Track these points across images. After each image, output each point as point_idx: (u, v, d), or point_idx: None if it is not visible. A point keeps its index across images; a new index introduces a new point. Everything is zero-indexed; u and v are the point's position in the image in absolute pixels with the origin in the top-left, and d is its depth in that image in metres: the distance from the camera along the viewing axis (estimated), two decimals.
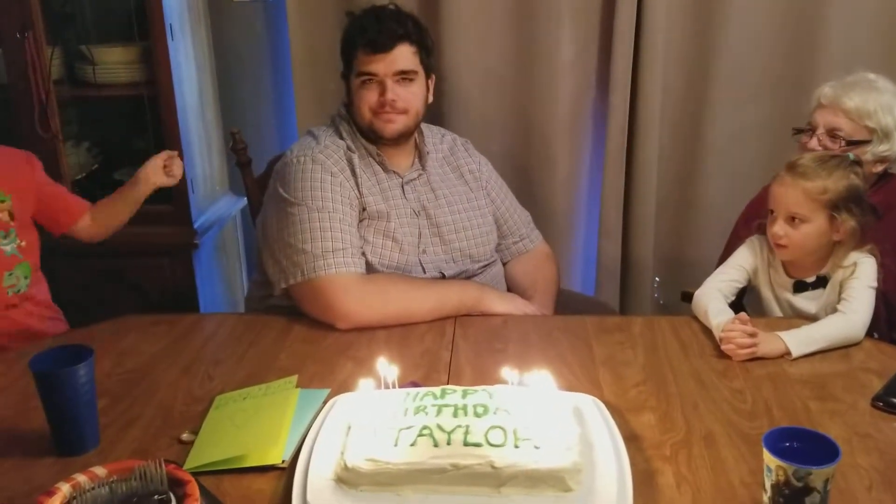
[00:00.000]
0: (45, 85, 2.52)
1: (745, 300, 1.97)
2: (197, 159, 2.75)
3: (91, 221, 2.10)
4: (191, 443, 1.37)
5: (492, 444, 1.19)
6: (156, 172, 2.08)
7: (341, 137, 2.05)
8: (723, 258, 2.09)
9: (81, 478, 1.12)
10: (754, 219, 1.98)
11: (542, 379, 1.32)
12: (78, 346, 1.35)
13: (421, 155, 2.12)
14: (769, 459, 1.12)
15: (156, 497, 1.10)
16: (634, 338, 1.78)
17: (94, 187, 2.59)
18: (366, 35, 1.96)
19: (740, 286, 1.92)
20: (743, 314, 1.71)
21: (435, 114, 2.58)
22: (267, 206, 2.06)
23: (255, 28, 2.97)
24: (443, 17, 2.71)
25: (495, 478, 1.17)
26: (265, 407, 1.44)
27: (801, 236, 1.78)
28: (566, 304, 2.26)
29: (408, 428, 1.23)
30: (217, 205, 2.91)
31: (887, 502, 1.22)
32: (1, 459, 1.34)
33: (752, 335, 1.65)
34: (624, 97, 2.70)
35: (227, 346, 1.79)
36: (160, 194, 2.43)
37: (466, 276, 2.10)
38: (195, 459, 1.31)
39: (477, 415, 1.25)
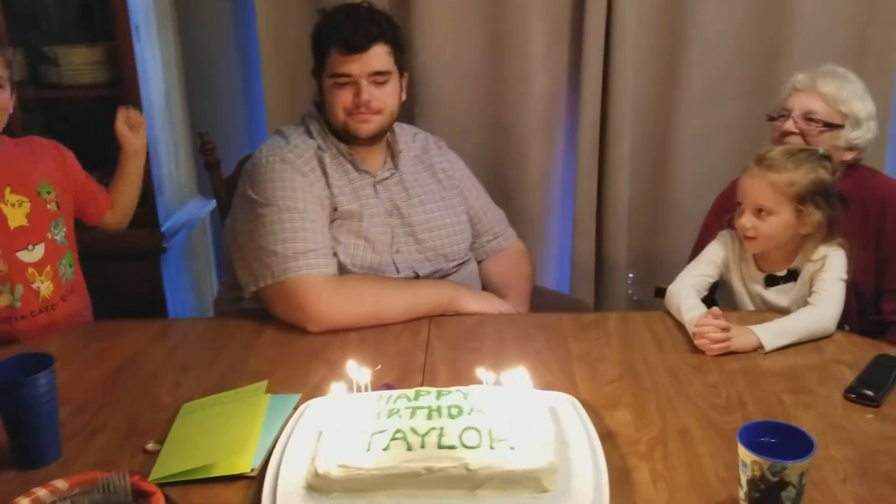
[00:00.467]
0: None
1: (717, 295, 1.97)
2: (164, 161, 2.71)
3: (111, 212, 2.12)
4: (156, 452, 1.33)
5: (466, 446, 1.17)
6: (125, 136, 2.10)
7: (311, 137, 2.02)
8: (694, 252, 2.10)
9: (42, 492, 1.10)
10: (724, 212, 1.99)
11: (517, 377, 1.31)
12: (38, 354, 1.32)
13: (393, 154, 2.10)
14: (744, 455, 1.11)
15: None
16: (610, 334, 1.78)
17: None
18: (340, 35, 1.93)
19: (712, 281, 1.92)
20: (715, 308, 1.71)
21: (408, 113, 2.56)
22: (236, 207, 2.03)
23: (223, 26, 2.94)
24: (414, 16, 2.69)
25: (470, 480, 1.15)
26: (234, 414, 1.42)
27: (768, 228, 1.78)
28: (541, 301, 2.25)
29: (381, 432, 1.21)
30: (185, 207, 2.88)
31: (862, 494, 1.21)
32: None
33: (725, 329, 1.65)
34: (595, 94, 2.70)
35: (196, 352, 1.77)
36: None
37: (441, 276, 2.09)
38: (161, 470, 1.27)
39: (451, 416, 1.24)
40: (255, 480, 1.26)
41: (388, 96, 1.99)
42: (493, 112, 2.83)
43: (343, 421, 1.26)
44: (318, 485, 1.17)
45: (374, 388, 1.39)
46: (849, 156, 2.02)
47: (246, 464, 1.27)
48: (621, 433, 1.38)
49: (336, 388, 1.34)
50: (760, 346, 1.66)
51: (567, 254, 2.93)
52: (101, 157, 2.32)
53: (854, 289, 1.88)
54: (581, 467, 1.21)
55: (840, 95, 1.98)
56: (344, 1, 2.06)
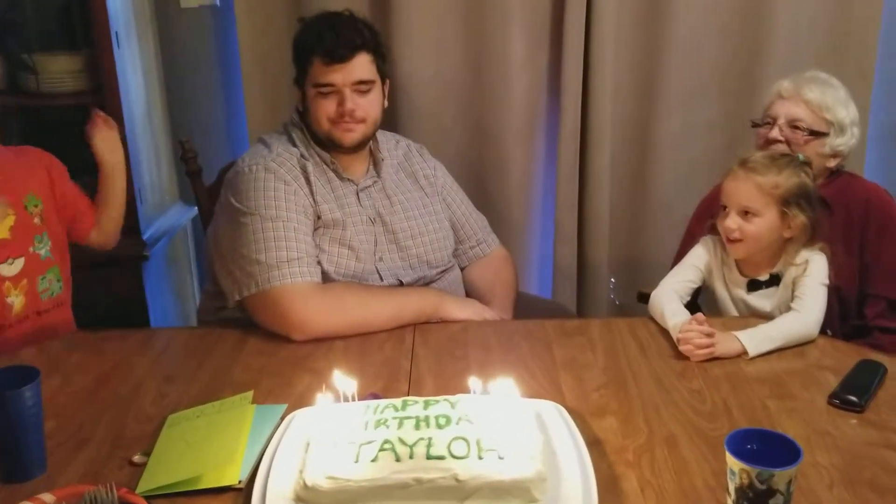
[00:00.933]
0: None
1: (700, 300, 1.98)
2: (145, 169, 2.69)
3: (97, 230, 2.08)
4: (143, 465, 1.32)
5: (455, 457, 1.17)
6: (101, 153, 2.06)
7: (294, 145, 2.02)
8: (678, 257, 2.10)
9: None
10: (707, 217, 2.00)
11: (504, 386, 1.31)
12: (23, 366, 1.31)
13: (375, 162, 2.10)
14: (732, 463, 1.12)
15: None
16: (594, 340, 1.78)
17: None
18: (323, 45, 1.92)
19: (696, 286, 1.93)
20: (699, 315, 1.72)
21: (389, 120, 2.56)
22: (218, 216, 2.02)
23: (204, 34, 2.92)
24: (395, 23, 2.69)
25: (459, 491, 1.15)
26: (220, 425, 1.41)
27: (753, 229, 1.80)
28: (524, 307, 2.26)
29: (368, 443, 1.20)
30: (167, 215, 2.86)
31: (848, 500, 1.22)
32: None
33: (710, 335, 1.66)
34: (576, 100, 2.71)
35: (180, 362, 1.75)
36: None
37: (424, 283, 2.08)
38: (148, 482, 1.26)
39: (439, 426, 1.24)
40: (242, 492, 1.25)
41: (371, 104, 1.99)
42: (474, 118, 2.83)
43: (330, 432, 1.26)
44: (306, 497, 1.16)
45: (361, 398, 1.39)
46: (833, 162, 2.03)
47: (233, 476, 1.26)
48: (608, 441, 1.38)
49: (322, 398, 1.33)
50: (744, 353, 1.66)
51: (549, 259, 2.94)
52: (80, 167, 2.29)
53: (837, 293, 1.90)
54: (569, 476, 1.21)
55: (825, 102, 1.99)
56: (324, 9, 2.06)
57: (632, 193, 2.93)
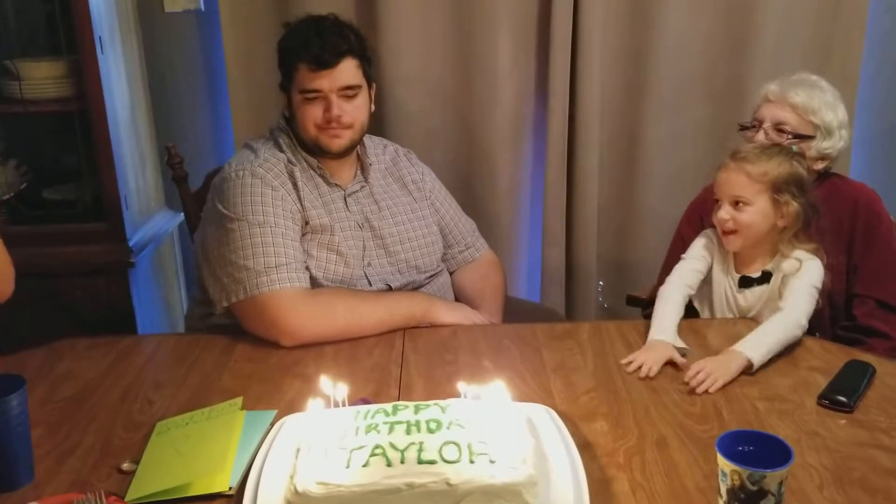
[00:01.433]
0: None
1: (694, 298, 1.97)
2: (130, 175, 2.67)
3: None
4: (132, 472, 1.32)
5: (446, 461, 1.17)
6: None
7: (281, 150, 2.01)
8: (667, 261, 2.11)
9: None
10: (697, 219, 2.00)
11: (495, 389, 1.31)
12: (9, 375, 1.29)
13: (363, 167, 2.10)
14: (724, 464, 1.12)
15: None
16: (583, 344, 1.78)
17: (24, 207, 2.51)
18: (308, 51, 1.91)
19: (703, 275, 1.92)
20: (667, 354, 1.68)
21: (376, 124, 2.56)
22: (205, 222, 2.01)
23: (189, 39, 2.91)
24: (381, 27, 2.70)
25: (451, 495, 1.14)
26: (209, 431, 1.40)
27: (746, 218, 1.80)
28: (513, 311, 2.26)
29: (360, 448, 1.20)
30: (153, 221, 2.84)
31: (838, 500, 1.23)
32: None
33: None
34: (563, 103, 2.72)
35: (168, 369, 1.74)
36: (93, 212, 2.36)
37: (413, 288, 2.08)
38: (137, 490, 1.25)
39: (430, 431, 1.23)
40: (233, 499, 1.24)
41: (358, 110, 1.98)
42: (461, 122, 2.84)
43: (321, 437, 1.25)
44: (297, 502, 1.15)
45: (351, 403, 1.38)
46: (820, 165, 2.04)
47: (223, 482, 1.26)
48: (599, 443, 1.38)
49: (313, 403, 1.33)
50: (750, 366, 1.63)
51: (537, 262, 2.94)
52: (63, 174, 2.28)
53: (827, 295, 1.90)
54: (561, 479, 1.21)
55: (811, 106, 2.00)
56: (310, 13, 2.05)
57: (620, 197, 2.94)
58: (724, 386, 1.58)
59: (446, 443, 1.20)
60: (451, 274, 2.23)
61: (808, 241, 1.82)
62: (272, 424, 1.41)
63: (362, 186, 2.08)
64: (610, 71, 2.78)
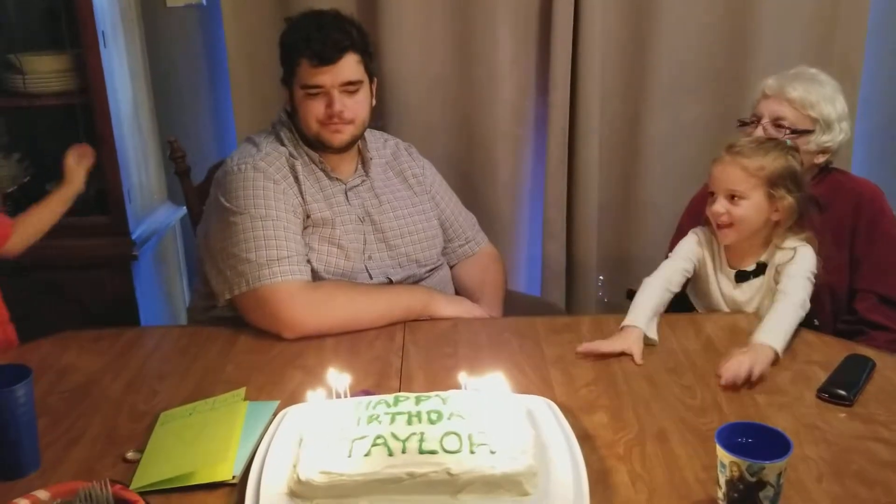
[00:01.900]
0: None
1: (689, 290, 1.98)
2: (133, 169, 2.68)
3: (15, 239, 1.97)
4: (136, 461, 1.33)
5: (447, 451, 1.18)
6: (73, 172, 2.06)
7: (282, 144, 2.02)
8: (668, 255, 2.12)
9: (23, 502, 1.09)
10: (699, 214, 2.01)
11: (495, 381, 1.32)
12: (15, 365, 1.31)
13: (364, 161, 2.10)
14: (723, 455, 1.13)
15: None
16: (583, 337, 1.78)
17: (27, 200, 2.51)
18: (310, 46, 1.91)
19: (688, 275, 1.92)
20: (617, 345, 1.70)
21: (377, 119, 2.56)
22: (208, 215, 2.02)
23: (191, 33, 2.91)
24: (382, 21, 2.70)
25: (452, 485, 1.16)
26: (213, 421, 1.41)
27: (741, 212, 1.80)
28: (513, 305, 2.27)
29: (361, 438, 1.21)
30: (155, 215, 2.85)
31: (837, 492, 1.24)
32: None
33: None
34: (564, 98, 2.72)
35: (172, 360, 1.75)
36: (97, 205, 2.38)
37: (413, 281, 2.09)
38: (142, 478, 1.27)
39: (431, 421, 1.24)
40: (236, 488, 1.25)
41: (359, 105, 1.99)
42: (462, 117, 2.84)
43: (323, 427, 1.26)
44: (300, 491, 1.17)
45: (353, 395, 1.40)
46: (821, 159, 2.05)
47: (227, 471, 1.27)
48: (599, 435, 1.39)
49: (314, 394, 1.34)
50: (777, 358, 1.63)
51: (537, 256, 2.95)
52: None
53: (829, 289, 1.91)
54: (560, 470, 1.22)
55: (808, 100, 2.00)
56: (311, 8, 2.06)
57: (620, 191, 2.94)
58: (697, 358, 1.63)
59: (447, 433, 1.21)
60: (451, 268, 2.24)
61: (802, 231, 1.82)
62: (274, 414, 1.42)
63: (363, 180, 2.09)
64: (611, 65, 2.78)
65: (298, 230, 1.93)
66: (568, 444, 1.28)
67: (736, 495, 1.12)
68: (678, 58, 2.77)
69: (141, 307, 2.64)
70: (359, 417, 1.27)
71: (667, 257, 1.97)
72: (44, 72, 2.54)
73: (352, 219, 2.03)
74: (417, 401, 1.30)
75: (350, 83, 1.95)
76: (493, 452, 1.18)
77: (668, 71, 2.78)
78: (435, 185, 2.24)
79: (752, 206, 1.80)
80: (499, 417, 1.26)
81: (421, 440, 1.20)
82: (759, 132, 2.01)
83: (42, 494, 1.10)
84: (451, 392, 1.33)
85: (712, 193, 1.85)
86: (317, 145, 2.00)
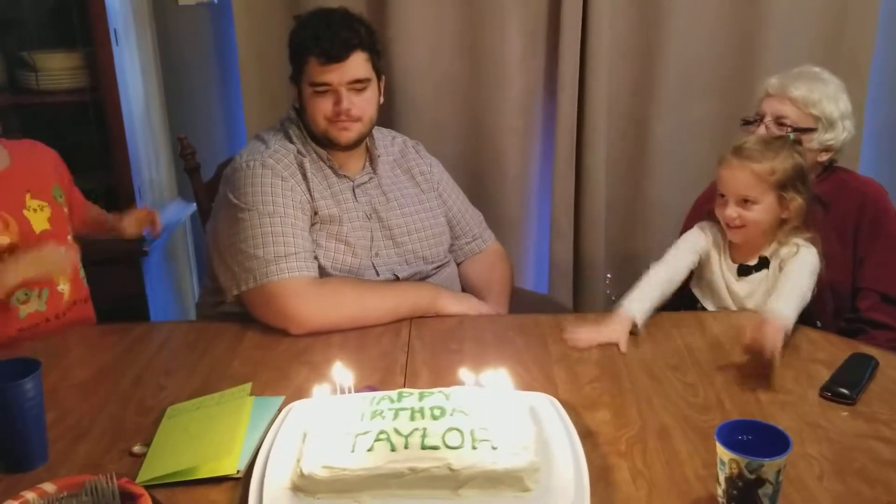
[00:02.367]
0: None
1: (692, 284, 1.98)
2: (144, 165, 2.71)
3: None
4: (143, 455, 1.34)
5: (449, 447, 1.19)
6: (131, 225, 2.13)
7: (291, 141, 2.03)
8: None
9: (30, 495, 1.10)
10: (704, 214, 2.01)
11: (498, 378, 1.33)
12: (24, 359, 1.32)
13: (371, 158, 2.11)
14: (722, 453, 1.13)
15: None
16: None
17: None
18: (318, 44, 1.92)
19: (693, 267, 1.93)
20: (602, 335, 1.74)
21: (385, 115, 2.57)
22: (217, 212, 2.04)
23: (201, 32, 2.93)
24: (391, 20, 2.71)
25: (453, 480, 1.17)
26: (219, 416, 1.42)
27: (754, 216, 1.81)
28: (520, 302, 2.27)
29: (364, 433, 1.22)
30: (166, 211, 2.87)
31: (838, 490, 1.24)
32: None
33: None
34: (572, 96, 2.72)
35: (179, 355, 1.77)
36: (108, 201, 2.40)
37: (420, 278, 2.10)
38: (148, 472, 1.28)
39: (434, 417, 1.25)
40: (241, 482, 1.27)
41: (367, 102, 2.00)
42: (470, 115, 2.84)
43: (327, 422, 1.27)
44: (303, 485, 1.18)
45: (357, 390, 1.41)
46: (824, 157, 2.05)
47: (232, 466, 1.28)
48: (601, 432, 1.40)
49: (319, 390, 1.35)
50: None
51: (545, 255, 2.95)
52: (78, 163, 2.30)
53: (831, 288, 1.91)
54: (562, 466, 1.23)
55: (811, 98, 2.00)
56: (320, 6, 2.07)
57: (628, 189, 2.94)
58: (699, 354, 1.67)
59: (449, 429, 1.22)
60: (458, 265, 2.25)
61: (806, 231, 1.83)
62: (280, 410, 1.43)
63: (371, 178, 2.10)
64: (619, 64, 2.77)
65: (306, 227, 1.95)
66: (570, 441, 1.29)
67: (735, 492, 1.13)
68: (686, 57, 2.76)
69: (150, 302, 2.65)
70: (362, 413, 1.28)
71: None
72: (56, 69, 2.56)
73: (359, 216, 2.04)
74: (421, 397, 1.31)
75: (358, 81, 1.96)
76: (494, 448, 1.19)
77: (676, 70, 2.77)
78: (442, 183, 2.25)
79: (763, 209, 1.81)
80: (501, 414, 1.27)
81: (423, 436, 1.21)
82: (761, 131, 2.02)
83: (49, 487, 1.11)
84: (454, 388, 1.34)
85: (722, 195, 1.85)
86: (325, 143, 2.01)
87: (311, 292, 1.85)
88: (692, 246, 1.93)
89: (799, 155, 1.83)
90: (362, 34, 1.97)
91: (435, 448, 1.19)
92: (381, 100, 2.08)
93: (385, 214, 2.08)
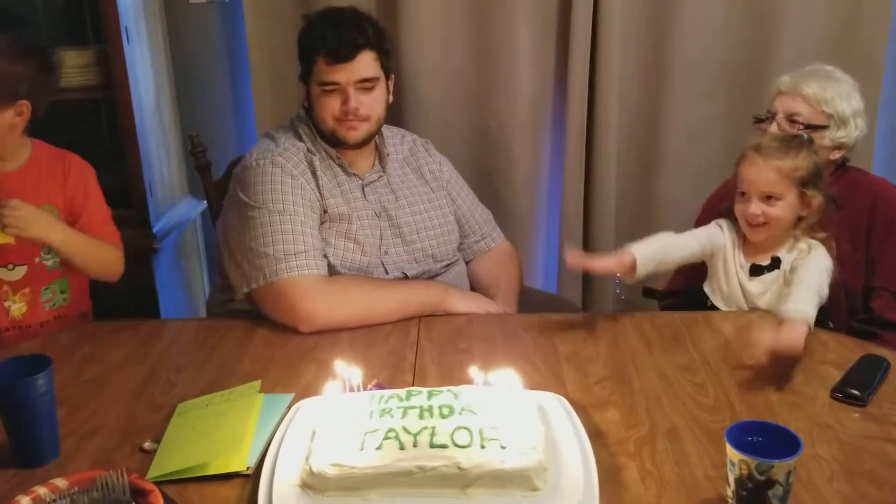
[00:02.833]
0: None
1: (706, 284, 1.98)
2: (155, 163, 2.72)
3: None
4: (153, 451, 1.35)
5: (458, 445, 1.19)
6: None
7: (300, 139, 2.03)
8: None
9: (42, 490, 1.11)
10: (715, 214, 2.00)
11: (507, 377, 1.33)
12: (36, 355, 1.33)
13: (381, 157, 2.12)
14: (732, 454, 1.13)
15: None
16: (597, 334, 1.79)
17: None
18: (326, 44, 1.93)
19: (697, 252, 1.93)
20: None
21: (395, 115, 2.57)
22: (227, 210, 2.04)
23: (212, 30, 2.94)
24: (401, 18, 2.71)
25: (462, 479, 1.17)
26: (228, 413, 1.43)
27: (777, 213, 1.81)
28: (529, 301, 2.27)
29: (373, 431, 1.22)
30: (176, 208, 2.88)
31: (848, 492, 1.23)
32: None
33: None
34: (582, 94, 2.72)
35: (189, 352, 1.77)
36: (119, 199, 2.40)
37: (429, 276, 2.10)
38: (158, 468, 1.29)
39: (443, 416, 1.25)
40: (250, 479, 1.27)
41: (375, 102, 2.00)
42: (479, 113, 2.84)
43: (336, 420, 1.28)
44: (312, 483, 1.18)
45: (366, 388, 1.41)
46: (837, 155, 2.04)
47: (241, 462, 1.28)
48: (610, 432, 1.40)
49: (329, 387, 1.35)
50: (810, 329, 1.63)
51: (554, 254, 2.95)
52: (90, 160, 2.31)
53: (844, 287, 1.90)
54: (571, 466, 1.23)
55: (823, 96, 2.00)
56: (330, 5, 2.07)
57: (638, 189, 2.93)
58: (711, 355, 1.66)
59: (458, 428, 1.22)
60: (467, 263, 2.25)
61: (821, 231, 1.83)
62: (289, 407, 1.44)
63: (380, 176, 2.10)
64: (629, 61, 2.77)
65: (315, 225, 1.95)
66: (578, 441, 1.29)
67: (745, 493, 1.12)
68: (697, 54, 2.75)
69: (161, 299, 2.67)
70: (371, 411, 1.28)
71: None
72: (68, 66, 2.56)
73: (368, 214, 2.04)
74: (429, 395, 1.31)
75: (366, 80, 1.96)
76: (503, 447, 1.19)
77: (687, 67, 2.76)
78: (451, 181, 2.25)
79: (786, 206, 1.81)
80: (510, 413, 1.27)
81: (432, 434, 1.21)
82: (773, 128, 2.01)
83: (60, 482, 1.12)
84: (463, 387, 1.34)
85: (743, 193, 1.85)
86: (333, 141, 2.02)
87: (321, 290, 1.85)
88: (708, 235, 1.93)
89: (815, 154, 1.83)
90: (370, 34, 1.97)
91: (443, 447, 1.19)
92: (391, 99, 2.08)
93: (394, 213, 2.08)
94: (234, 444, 1.32)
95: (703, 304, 1.97)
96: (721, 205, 1.99)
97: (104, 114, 2.60)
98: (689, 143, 2.84)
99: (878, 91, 2.72)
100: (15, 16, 2.64)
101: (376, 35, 1.98)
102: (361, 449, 1.19)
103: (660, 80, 2.79)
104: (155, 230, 2.65)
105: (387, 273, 2.03)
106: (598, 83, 2.72)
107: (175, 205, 2.89)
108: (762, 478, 1.11)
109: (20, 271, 1.91)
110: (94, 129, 2.67)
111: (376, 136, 2.10)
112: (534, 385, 1.51)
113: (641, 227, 2.94)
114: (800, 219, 1.84)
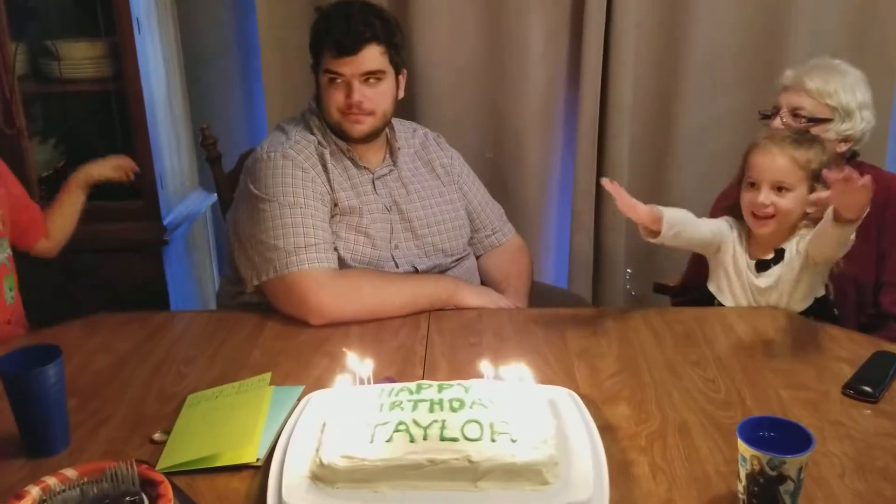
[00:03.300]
0: (9, 81, 2.47)
1: (711, 284, 1.97)
2: (166, 155, 2.72)
3: (46, 238, 2.05)
4: (163, 442, 1.35)
5: (468, 439, 1.19)
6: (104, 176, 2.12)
7: (311, 132, 2.03)
8: (694, 253, 2.11)
9: (52, 480, 1.10)
10: (726, 210, 1.99)
11: (517, 372, 1.32)
12: (46, 346, 1.33)
13: (392, 150, 2.11)
14: (744, 449, 1.12)
15: (128, 498, 1.09)
16: (608, 329, 1.79)
17: (62, 184, 2.55)
18: (332, 37, 1.93)
19: (706, 236, 1.91)
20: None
21: (407, 109, 2.57)
22: (238, 202, 2.04)
23: (224, 21, 2.94)
24: (413, 11, 2.70)
25: (472, 472, 1.16)
26: (238, 405, 1.43)
27: (787, 204, 1.80)
28: (539, 296, 2.27)
29: (383, 424, 1.22)
30: (187, 200, 2.89)
31: (860, 489, 1.23)
32: None
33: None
34: (595, 88, 2.71)
35: (199, 344, 1.77)
36: (129, 191, 2.41)
37: (440, 271, 2.10)
38: (168, 459, 1.29)
39: (453, 409, 1.25)
40: (260, 470, 1.27)
41: (381, 96, 1.99)
42: (492, 106, 2.84)
43: (346, 413, 1.27)
44: (322, 475, 1.18)
45: (376, 381, 1.41)
46: (843, 147, 2.03)
47: (251, 454, 1.28)
48: (621, 427, 1.39)
49: (340, 380, 1.35)
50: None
51: (565, 248, 2.94)
52: (101, 152, 2.32)
53: (854, 282, 1.89)
54: (581, 460, 1.22)
55: (826, 89, 1.99)
56: None
57: (650, 184, 2.92)
58: (722, 351, 1.65)
59: (468, 421, 1.22)
60: (477, 258, 2.25)
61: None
62: (299, 399, 1.44)
63: (391, 170, 2.10)
64: (643, 56, 2.75)
65: (326, 218, 1.95)
66: (589, 435, 1.29)
67: (756, 489, 1.12)
68: (711, 49, 2.74)
69: (171, 291, 2.67)
70: (381, 404, 1.28)
71: (692, 258, 1.97)
72: (79, 58, 2.57)
73: (379, 208, 2.04)
74: (440, 388, 1.31)
75: (371, 73, 1.95)
76: (514, 441, 1.19)
77: (700, 62, 2.75)
78: (463, 176, 2.25)
79: (795, 198, 1.80)
80: (520, 407, 1.26)
81: (442, 427, 1.21)
82: (776, 123, 2.01)
83: (70, 473, 1.12)
84: (474, 381, 1.34)
85: (752, 184, 1.84)
86: (341, 134, 2.01)
87: (331, 283, 1.85)
88: (719, 226, 1.92)
89: (825, 151, 1.82)
90: (377, 28, 1.95)
91: (454, 440, 1.19)
92: (402, 94, 2.07)
93: (405, 207, 2.08)
94: (244, 436, 1.32)
95: (712, 303, 1.96)
96: (731, 200, 1.98)
97: (115, 106, 2.60)
98: (702, 137, 2.83)
99: (892, 89, 2.70)
100: (26, 7, 2.64)
101: (385, 28, 1.97)
102: (371, 441, 1.19)
103: (673, 74, 2.78)
104: (165, 222, 2.65)
105: (397, 267, 2.03)
106: (610, 78, 2.71)
107: (185, 197, 2.89)
108: (774, 473, 1.10)
109: None
110: (104, 121, 2.67)
111: (387, 130, 2.09)
112: (544, 379, 1.51)
113: None
114: (805, 215, 1.82)
